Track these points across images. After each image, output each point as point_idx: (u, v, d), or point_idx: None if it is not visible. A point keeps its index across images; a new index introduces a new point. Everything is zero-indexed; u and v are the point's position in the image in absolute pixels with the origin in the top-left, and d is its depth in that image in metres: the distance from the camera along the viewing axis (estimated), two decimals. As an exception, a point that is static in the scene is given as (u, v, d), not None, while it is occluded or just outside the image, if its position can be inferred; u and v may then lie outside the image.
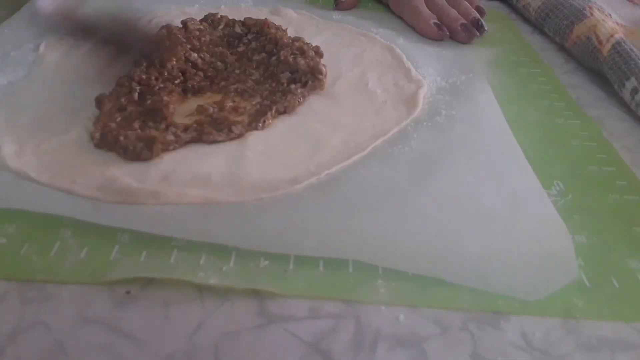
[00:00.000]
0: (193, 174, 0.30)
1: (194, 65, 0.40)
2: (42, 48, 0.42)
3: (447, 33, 0.50)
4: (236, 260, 0.25)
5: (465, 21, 0.50)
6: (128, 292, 0.24)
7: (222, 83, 0.38)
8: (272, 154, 0.32)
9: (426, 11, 0.51)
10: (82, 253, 0.25)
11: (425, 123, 0.36)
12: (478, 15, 0.52)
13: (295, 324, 0.23)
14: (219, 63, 0.40)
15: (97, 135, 0.32)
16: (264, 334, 0.22)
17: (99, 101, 0.35)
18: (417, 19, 0.52)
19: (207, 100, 0.37)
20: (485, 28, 0.51)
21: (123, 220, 0.27)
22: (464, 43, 0.50)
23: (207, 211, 0.28)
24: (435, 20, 0.50)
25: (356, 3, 0.56)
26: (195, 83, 0.38)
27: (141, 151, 0.31)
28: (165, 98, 0.35)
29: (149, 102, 0.35)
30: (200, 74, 0.39)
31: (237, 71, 0.40)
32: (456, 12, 0.51)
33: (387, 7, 0.56)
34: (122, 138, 0.31)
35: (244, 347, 0.22)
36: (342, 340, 0.22)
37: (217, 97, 0.37)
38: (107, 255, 0.25)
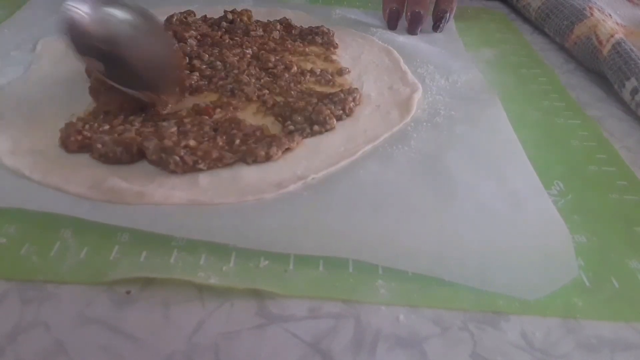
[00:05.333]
0: (181, 176, 0.30)
1: (192, 66, 0.40)
2: (38, 47, 0.42)
3: (394, 27, 0.50)
4: (236, 260, 0.25)
5: (418, 10, 0.50)
6: (128, 292, 0.24)
7: (220, 82, 0.38)
8: None
9: None
10: (82, 253, 0.25)
11: (425, 123, 0.36)
12: (447, 11, 0.51)
13: (295, 324, 0.23)
14: (218, 63, 0.40)
15: (59, 143, 0.31)
16: (264, 334, 0.22)
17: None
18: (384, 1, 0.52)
19: (204, 99, 0.37)
20: (439, 30, 0.51)
21: (122, 219, 0.27)
22: (407, 33, 0.50)
23: (208, 210, 0.28)
24: (395, 6, 0.50)
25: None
26: (193, 82, 0.38)
27: (121, 156, 0.30)
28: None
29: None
30: (197, 73, 0.39)
31: (236, 71, 0.40)
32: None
33: None
34: (99, 145, 0.30)
35: (244, 347, 0.22)
36: (342, 340, 0.22)
37: (214, 97, 0.37)
38: (107, 255, 0.25)
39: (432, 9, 0.51)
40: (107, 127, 0.32)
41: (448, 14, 0.51)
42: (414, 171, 0.31)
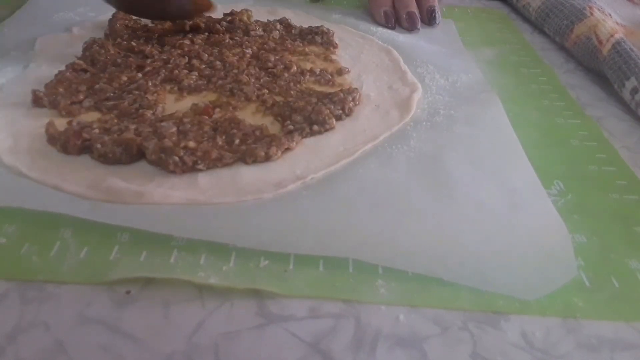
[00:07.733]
0: (180, 176, 0.30)
1: (191, 66, 0.40)
2: (37, 46, 0.42)
3: (393, 25, 0.51)
4: (236, 260, 0.25)
5: (413, 10, 0.50)
6: (128, 292, 0.24)
7: (219, 82, 0.38)
8: None
9: None
10: (82, 253, 0.25)
11: (424, 123, 0.36)
12: (434, 5, 0.51)
13: (295, 324, 0.23)
14: (217, 62, 0.40)
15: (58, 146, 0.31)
16: (264, 334, 0.22)
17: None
18: (372, 2, 0.52)
19: (203, 99, 0.37)
20: (437, 21, 0.51)
21: (122, 218, 0.27)
22: (408, 31, 0.51)
23: (207, 210, 0.28)
24: (387, 9, 0.51)
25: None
26: (192, 82, 0.38)
27: (120, 156, 0.30)
28: (150, 97, 0.35)
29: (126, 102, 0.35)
30: (196, 73, 0.39)
31: (235, 71, 0.40)
32: None
33: None
34: (99, 146, 0.30)
35: (244, 347, 0.22)
36: (342, 340, 0.22)
37: (213, 97, 0.37)
38: (107, 255, 0.25)
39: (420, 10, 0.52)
40: (96, 128, 0.32)
41: (436, 6, 0.52)
42: (413, 171, 0.31)
